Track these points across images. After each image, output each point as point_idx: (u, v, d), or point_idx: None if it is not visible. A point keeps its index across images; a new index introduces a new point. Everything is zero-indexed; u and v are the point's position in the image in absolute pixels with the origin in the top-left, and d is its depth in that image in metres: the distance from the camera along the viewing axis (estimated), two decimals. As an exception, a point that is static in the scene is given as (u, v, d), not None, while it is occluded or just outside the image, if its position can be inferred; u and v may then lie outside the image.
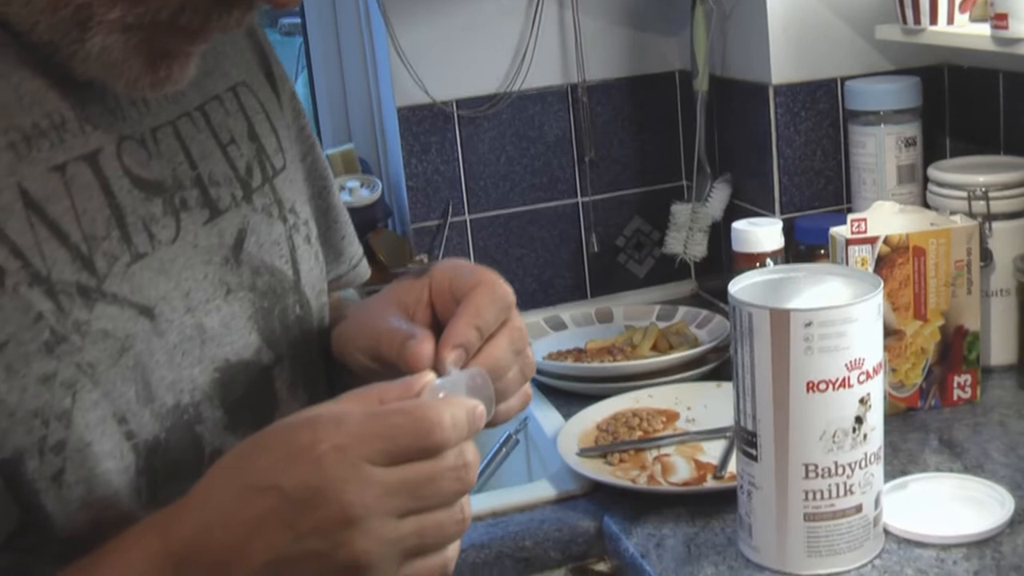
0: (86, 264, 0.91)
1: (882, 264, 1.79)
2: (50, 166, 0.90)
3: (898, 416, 1.82)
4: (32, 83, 0.91)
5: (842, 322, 1.37)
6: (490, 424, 1.03)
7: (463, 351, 1.02)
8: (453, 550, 0.92)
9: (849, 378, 1.39)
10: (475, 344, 1.03)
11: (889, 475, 1.55)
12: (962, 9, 1.98)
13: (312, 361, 1.14)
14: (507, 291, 1.07)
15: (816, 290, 1.46)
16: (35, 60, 0.91)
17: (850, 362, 1.38)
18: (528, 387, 1.11)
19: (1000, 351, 1.97)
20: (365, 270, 1.40)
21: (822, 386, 1.38)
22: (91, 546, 0.90)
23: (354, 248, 1.37)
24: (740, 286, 1.46)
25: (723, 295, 2.49)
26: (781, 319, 1.38)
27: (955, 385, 1.87)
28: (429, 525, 0.88)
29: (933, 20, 2.00)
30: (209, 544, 0.87)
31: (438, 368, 1.01)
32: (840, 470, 1.41)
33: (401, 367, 1.02)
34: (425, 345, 1.02)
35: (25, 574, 0.89)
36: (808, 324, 1.37)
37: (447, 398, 0.92)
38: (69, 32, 0.89)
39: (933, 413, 1.86)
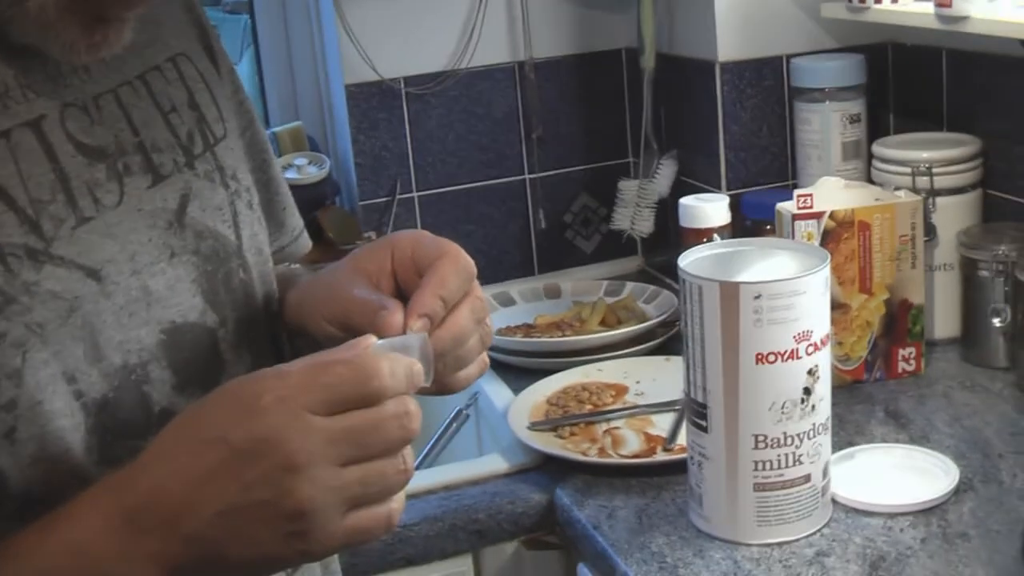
0: (33, 227, 0.92)
1: (828, 239, 1.82)
2: None
3: (844, 388, 1.85)
4: None
5: (790, 295, 1.39)
6: (449, 390, 1.08)
7: (428, 320, 1.04)
8: (398, 501, 0.93)
9: (797, 350, 1.41)
10: (440, 314, 1.05)
11: (836, 446, 1.57)
12: (906, -13, 2.01)
13: (256, 324, 1.15)
14: (469, 262, 1.09)
15: (764, 264, 1.48)
16: None
17: (798, 334, 1.40)
18: (486, 355, 1.13)
19: (943, 324, 2.00)
20: (306, 241, 1.41)
21: (771, 358, 1.40)
22: (45, 503, 0.91)
23: (295, 220, 1.39)
24: (689, 260, 1.47)
25: (670, 271, 2.52)
26: (730, 292, 1.40)
27: (900, 358, 1.90)
28: (372, 473, 0.90)
29: (878, -2, 2.02)
30: (161, 499, 0.88)
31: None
32: (789, 440, 1.44)
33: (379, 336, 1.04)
34: (396, 316, 1.04)
35: None
36: (757, 297, 1.39)
37: (385, 353, 0.94)
38: None
39: (878, 385, 1.89)
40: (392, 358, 0.92)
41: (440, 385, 1.09)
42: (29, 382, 0.90)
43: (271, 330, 1.19)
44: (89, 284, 0.96)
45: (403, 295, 1.09)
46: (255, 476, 0.87)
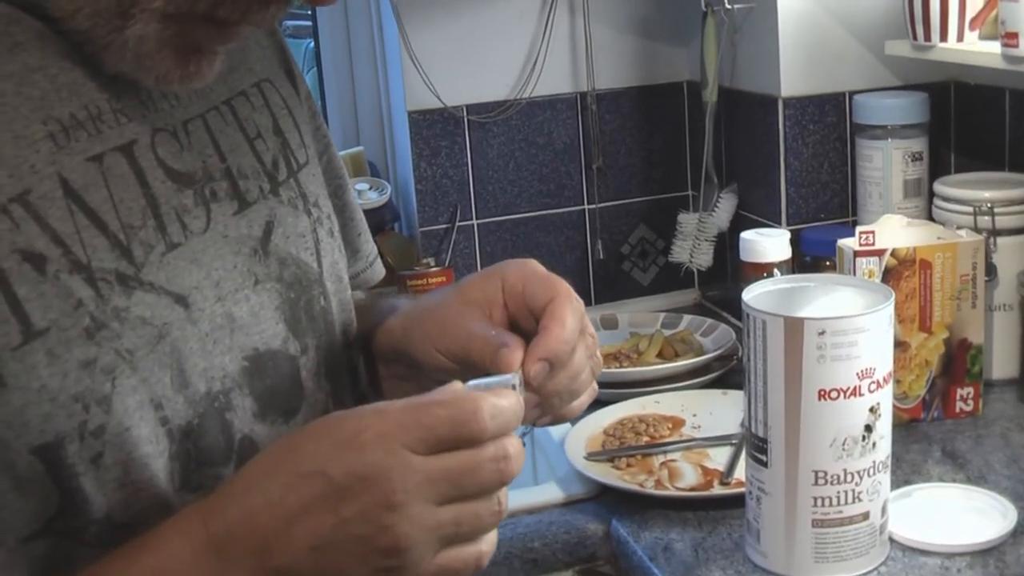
0: (124, 253, 0.93)
1: (889, 276, 1.81)
2: (88, 156, 0.92)
3: (901, 427, 1.84)
4: (70, 75, 0.93)
5: (854, 331, 1.39)
6: (563, 420, 1.14)
7: (547, 364, 1.07)
8: (488, 543, 0.94)
9: (860, 387, 1.41)
10: (564, 360, 1.08)
11: (893, 485, 1.56)
12: (972, 27, 2.00)
13: (334, 352, 1.16)
14: (580, 301, 1.13)
15: (827, 300, 1.48)
16: (72, 52, 0.94)
17: (861, 371, 1.40)
18: (594, 383, 1.18)
19: (1002, 365, 1.99)
20: (380, 268, 1.42)
21: (833, 394, 1.40)
22: (127, 528, 0.92)
23: (369, 246, 1.40)
24: (753, 294, 1.48)
25: (726, 304, 2.53)
26: (795, 327, 1.40)
27: (958, 397, 1.90)
28: (466, 513, 0.91)
29: (943, 37, 2.02)
30: (253, 529, 0.89)
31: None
32: (849, 477, 1.44)
33: (493, 373, 1.06)
34: (516, 354, 1.07)
35: (65, 558, 0.91)
36: (821, 333, 1.39)
37: (493, 389, 0.95)
38: (111, 20, 0.91)
39: (936, 425, 1.89)
40: (498, 395, 0.93)
41: (555, 416, 1.13)
42: (118, 408, 0.91)
43: (348, 358, 1.20)
44: (177, 311, 0.97)
45: (514, 326, 1.12)
46: (353, 512, 0.88)
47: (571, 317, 1.09)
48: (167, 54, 0.94)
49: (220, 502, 0.91)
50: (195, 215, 1.00)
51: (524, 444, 1.99)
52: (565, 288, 1.12)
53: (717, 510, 1.68)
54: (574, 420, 1.94)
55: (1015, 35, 1.79)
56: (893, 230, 1.87)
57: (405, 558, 0.89)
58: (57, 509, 0.90)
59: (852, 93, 2.29)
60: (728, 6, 2.33)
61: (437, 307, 1.18)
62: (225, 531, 0.90)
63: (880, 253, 1.82)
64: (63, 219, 0.90)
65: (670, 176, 2.69)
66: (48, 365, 0.87)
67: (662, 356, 2.25)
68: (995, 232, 1.95)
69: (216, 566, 0.89)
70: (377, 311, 1.27)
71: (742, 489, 1.55)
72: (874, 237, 1.82)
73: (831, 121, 2.30)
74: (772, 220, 2.34)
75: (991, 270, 1.93)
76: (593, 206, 2.63)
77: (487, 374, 1.05)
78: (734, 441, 1.84)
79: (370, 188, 2.54)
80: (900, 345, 1.83)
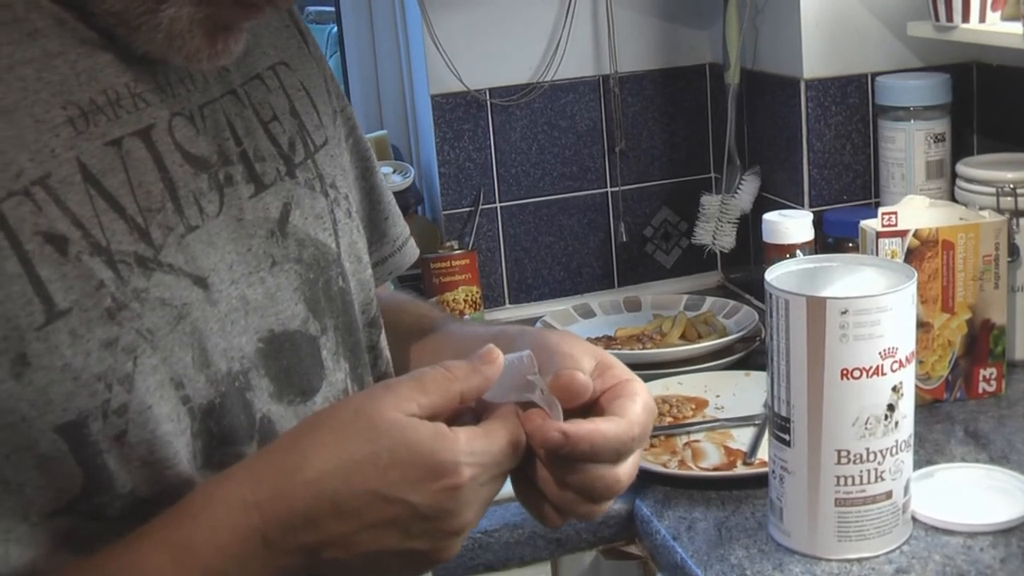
0: (143, 235, 0.94)
1: (911, 257, 1.82)
2: (106, 141, 0.94)
3: (924, 407, 1.85)
4: (89, 60, 0.95)
5: (877, 311, 1.40)
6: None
7: (575, 443, 1.00)
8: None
9: (883, 366, 1.41)
10: (604, 455, 1.02)
11: (915, 465, 1.56)
12: (994, 7, 2.00)
13: (353, 331, 1.17)
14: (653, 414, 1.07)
15: (850, 279, 1.48)
16: (93, 38, 0.95)
17: (884, 350, 1.41)
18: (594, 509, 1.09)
19: (1025, 346, 1.99)
20: (412, 251, 1.42)
21: (856, 373, 1.41)
22: (152, 503, 0.94)
23: (398, 229, 1.39)
24: (776, 274, 1.48)
25: (749, 286, 2.54)
26: (817, 307, 1.40)
27: (980, 378, 1.90)
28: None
29: (965, 18, 2.02)
30: (316, 529, 0.93)
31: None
32: (872, 456, 1.44)
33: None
34: (580, 382, 1.02)
35: (91, 534, 0.92)
36: (844, 312, 1.39)
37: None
38: (145, 2, 0.93)
39: (958, 405, 1.89)
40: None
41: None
42: (140, 387, 0.92)
43: (368, 337, 1.21)
44: (196, 292, 0.98)
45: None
46: (421, 531, 0.95)
47: (640, 417, 1.03)
48: (197, 33, 0.96)
49: (276, 491, 0.93)
50: (210, 199, 1.02)
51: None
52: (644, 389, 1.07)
53: (740, 490, 1.68)
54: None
55: (1038, 15, 1.80)
56: (916, 211, 1.87)
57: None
58: (80, 489, 0.91)
59: (874, 74, 2.28)
60: (750, -12, 2.33)
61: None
62: (280, 524, 0.92)
63: (903, 234, 1.82)
64: (82, 203, 0.91)
65: (693, 158, 2.69)
66: (71, 345, 0.89)
67: (685, 338, 2.26)
68: (1018, 213, 1.95)
69: (263, 554, 0.92)
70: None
71: (765, 469, 1.56)
72: (897, 218, 1.82)
73: (853, 103, 2.30)
74: (795, 202, 2.35)
75: (1014, 251, 1.93)
76: (616, 189, 2.64)
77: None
78: (757, 421, 1.84)
79: (394, 171, 2.54)
80: (923, 326, 1.83)
